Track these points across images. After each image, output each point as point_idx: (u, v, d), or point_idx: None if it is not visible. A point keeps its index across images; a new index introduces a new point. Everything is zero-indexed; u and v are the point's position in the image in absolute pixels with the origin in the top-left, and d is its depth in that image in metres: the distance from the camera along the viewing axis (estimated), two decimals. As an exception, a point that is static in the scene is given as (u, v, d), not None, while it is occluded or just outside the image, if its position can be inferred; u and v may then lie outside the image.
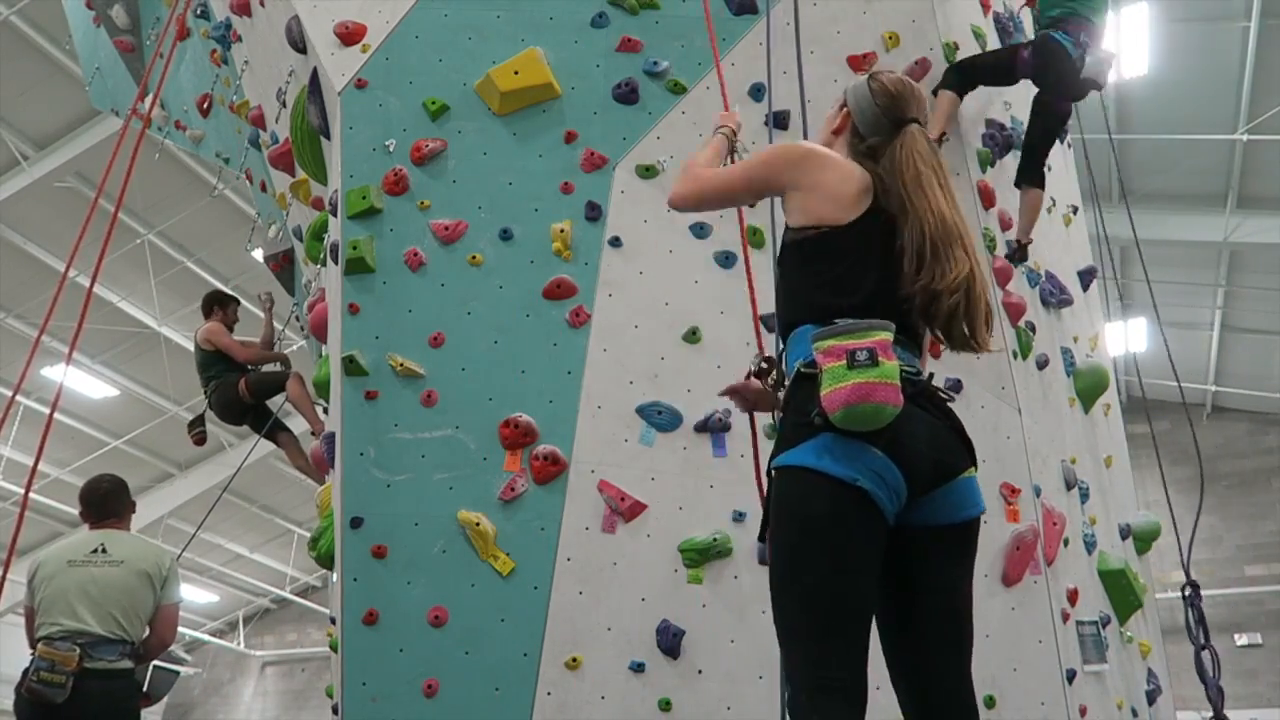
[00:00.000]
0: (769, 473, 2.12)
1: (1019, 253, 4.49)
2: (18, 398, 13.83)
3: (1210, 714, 4.55)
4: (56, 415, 3.78)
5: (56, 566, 4.03)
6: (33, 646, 3.95)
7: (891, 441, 1.99)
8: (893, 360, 1.98)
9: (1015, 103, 4.99)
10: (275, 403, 6.41)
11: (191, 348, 6.44)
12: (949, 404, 2.18)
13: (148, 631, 4.14)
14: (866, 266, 2.15)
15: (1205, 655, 4.61)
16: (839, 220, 2.17)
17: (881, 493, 1.99)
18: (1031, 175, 4.56)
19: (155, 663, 4.42)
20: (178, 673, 9.87)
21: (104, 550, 4.09)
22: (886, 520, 2.01)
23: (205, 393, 6.24)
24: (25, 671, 3.86)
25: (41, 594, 3.99)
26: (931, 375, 2.20)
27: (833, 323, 2.06)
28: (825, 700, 1.88)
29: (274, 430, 6.29)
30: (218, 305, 6.50)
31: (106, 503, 4.30)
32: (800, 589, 1.96)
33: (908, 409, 2.00)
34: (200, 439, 6.47)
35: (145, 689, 4.32)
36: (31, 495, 4.02)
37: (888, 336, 2.02)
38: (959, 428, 2.16)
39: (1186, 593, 4.81)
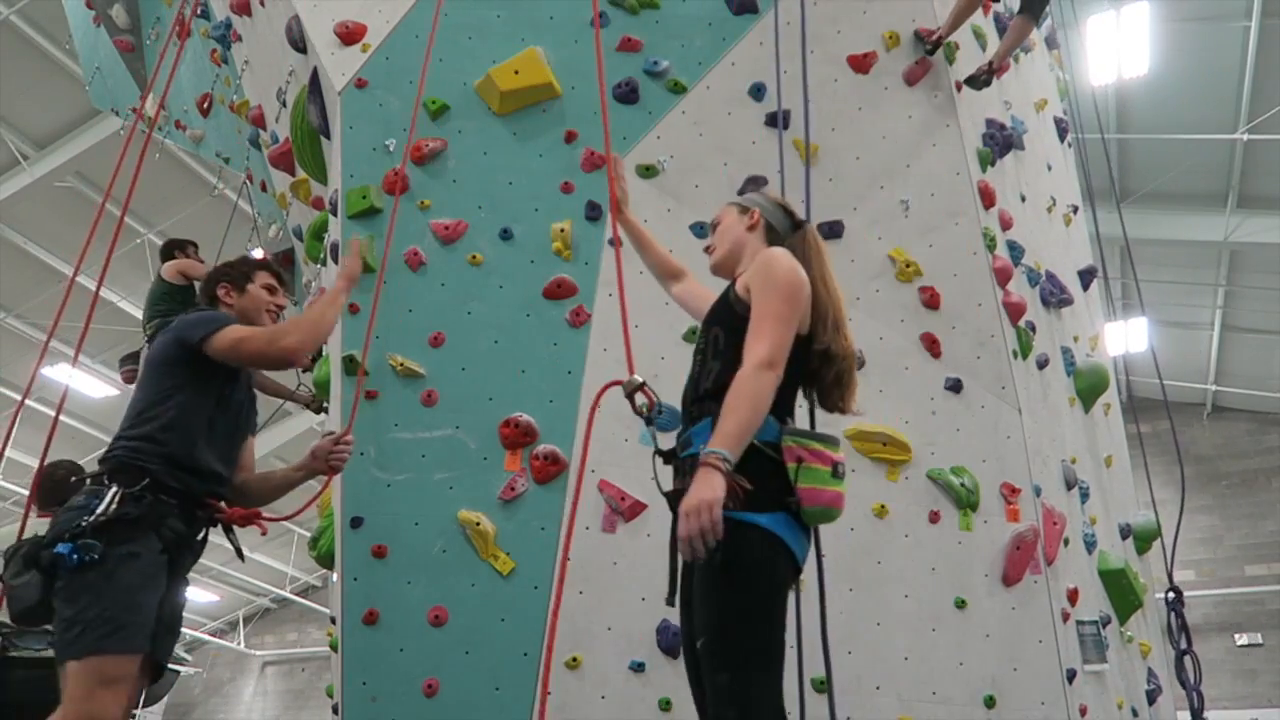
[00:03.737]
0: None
1: (986, 75, 4.63)
2: (16, 396, 13.84)
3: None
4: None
5: None
6: None
7: None
8: None
9: (1015, 102, 4.99)
10: None
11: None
12: None
13: None
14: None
15: (1186, 660, 4.64)
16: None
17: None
18: (1028, 4, 4.74)
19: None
20: (177, 672, 9.74)
21: None
22: None
23: (145, 331, 5.96)
24: None
25: None
26: None
27: (785, 419, 2.34)
28: None
29: None
30: (178, 250, 6.27)
31: (57, 491, 4.08)
32: (767, 635, 2.20)
33: None
34: (131, 376, 6.21)
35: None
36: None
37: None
38: None
39: (1169, 598, 4.83)
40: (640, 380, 2.61)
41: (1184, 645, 4.69)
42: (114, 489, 2.71)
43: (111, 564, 2.61)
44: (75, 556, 2.59)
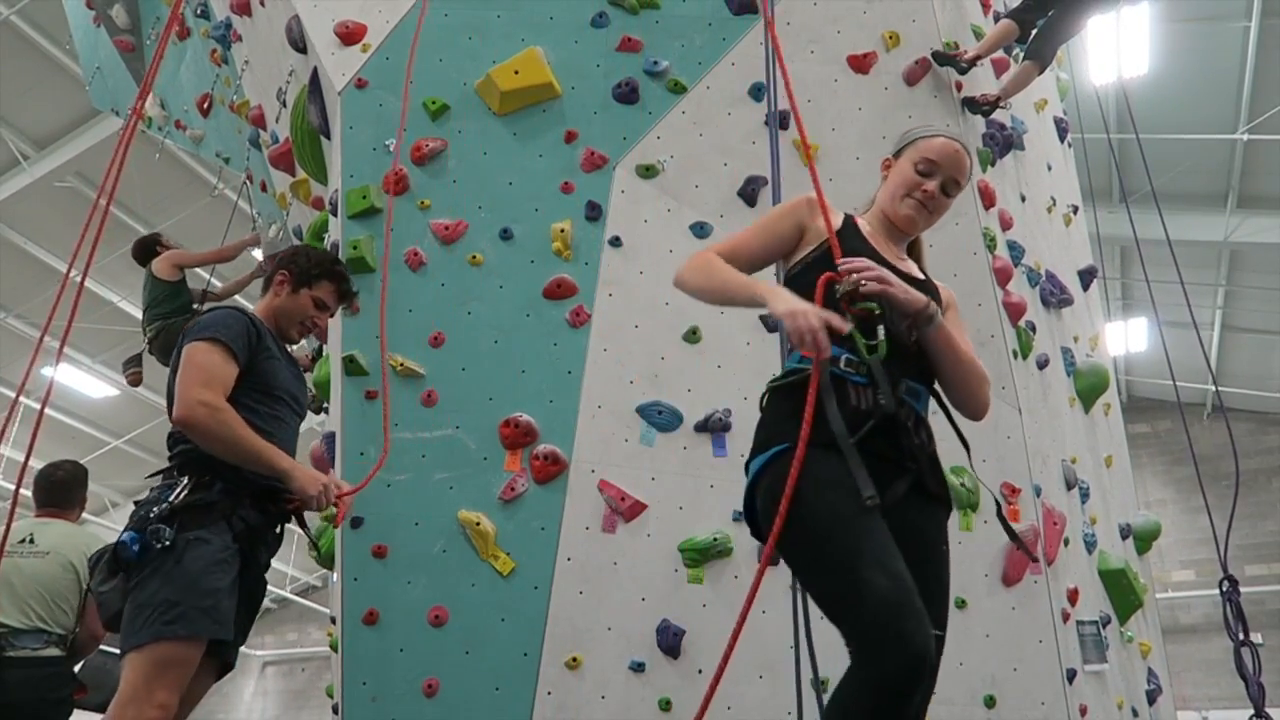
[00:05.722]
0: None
1: (990, 105, 4.62)
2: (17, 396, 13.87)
3: (1251, 713, 4.50)
4: (57, 415, 3.76)
5: None
6: None
7: None
8: None
9: (1015, 103, 4.99)
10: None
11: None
12: None
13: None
14: None
15: (1245, 651, 4.58)
16: None
17: None
18: (1038, 52, 4.78)
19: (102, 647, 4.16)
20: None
21: (31, 540, 3.95)
22: None
23: (145, 332, 5.99)
24: None
25: None
26: None
27: None
28: None
29: None
30: (159, 245, 6.20)
31: (54, 491, 4.18)
32: None
33: None
34: (136, 378, 6.31)
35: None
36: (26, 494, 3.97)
37: None
38: None
39: (1225, 588, 4.76)
40: (855, 280, 2.29)
41: (1241, 636, 4.64)
42: (185, 479, 2.71)
43: (180, 550, 2.59)
44: (135, 547, 2.57)
